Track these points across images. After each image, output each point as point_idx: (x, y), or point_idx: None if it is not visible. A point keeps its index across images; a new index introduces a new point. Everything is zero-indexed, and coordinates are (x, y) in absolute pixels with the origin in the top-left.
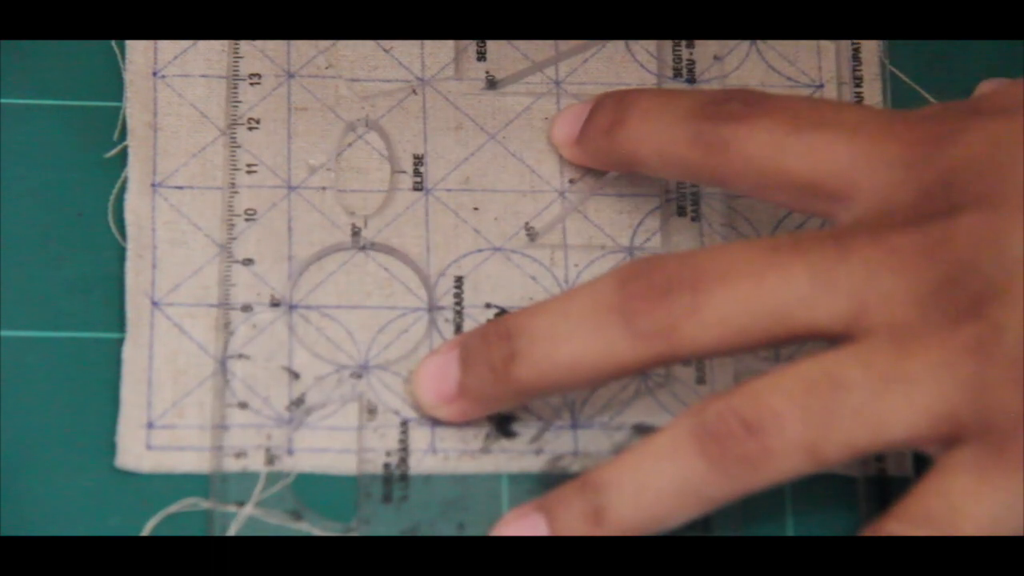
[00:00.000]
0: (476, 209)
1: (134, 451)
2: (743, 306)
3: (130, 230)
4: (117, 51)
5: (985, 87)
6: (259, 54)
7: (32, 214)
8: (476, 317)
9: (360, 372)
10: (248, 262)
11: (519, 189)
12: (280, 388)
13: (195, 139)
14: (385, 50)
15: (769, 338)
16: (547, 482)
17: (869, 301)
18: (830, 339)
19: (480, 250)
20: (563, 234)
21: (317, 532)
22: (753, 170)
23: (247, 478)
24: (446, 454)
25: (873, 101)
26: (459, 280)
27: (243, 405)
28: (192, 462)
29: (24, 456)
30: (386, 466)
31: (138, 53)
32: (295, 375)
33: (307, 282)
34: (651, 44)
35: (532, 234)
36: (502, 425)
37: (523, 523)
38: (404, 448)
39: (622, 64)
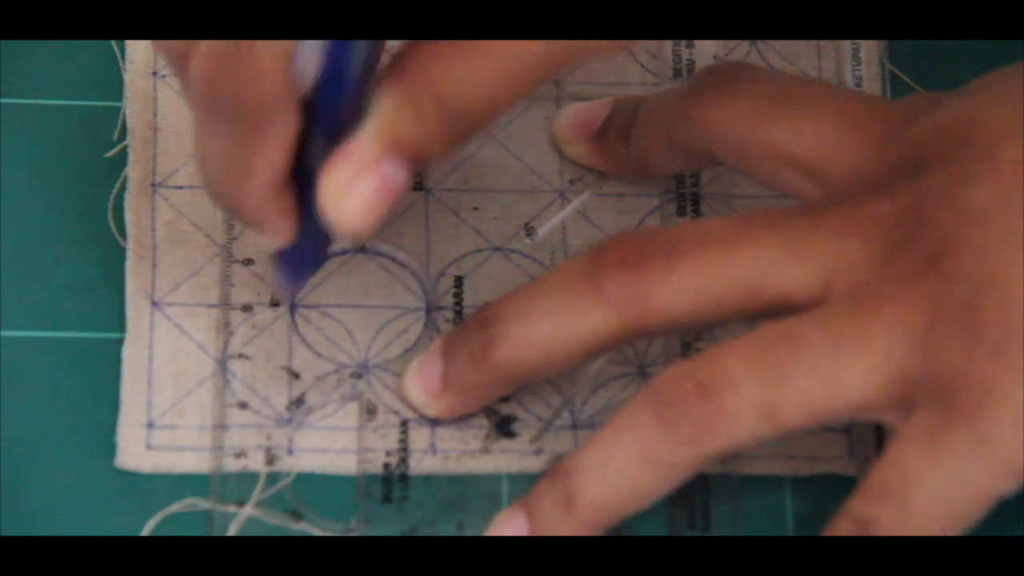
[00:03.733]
0: (476, 209)
1: (134, 451)
2: (716, 274)
3: (130, 230)
4: (117, 51)
5: None
6: None
7: (32, 214)
8: None
9: (360, 372)
10: (248, 262)
11: (519, 189)
12: (280, 388)
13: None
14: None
15: (742, 307)
16: None
17: (838, 267)
18: (802, 309)
19: (480, 250)
20: (563, 234)
21: (317, 533)
22: (734, 137)
23: (247, 478)
24: (446, 454)
25: None
26: (459, 280)
27: (243, 405)
28: (192, 462)
29: (24, 456)
30: (386, 466)
31: (138, 53)
32: (295, 375)
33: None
34: (651, 44)
35: (532, 234)
36: (502, 425)
37: (509, 524)
38: (404, 448)
39: (622, 64)
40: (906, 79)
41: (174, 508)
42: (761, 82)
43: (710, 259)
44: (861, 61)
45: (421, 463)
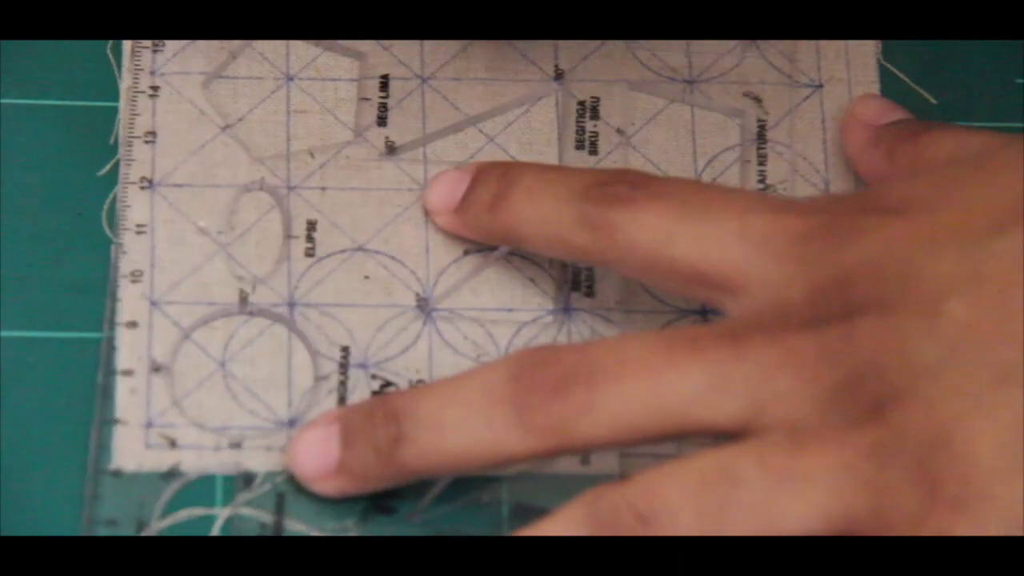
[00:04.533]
0: None
1: (133, 451)
2: (637, 404)
3: (129, 230)
4: (117, 51)
5: (861, 106)
6: (257, 55)
7: (32, 214)
8: (475, 319)
9: (357, 372)
10: (244, 264)
11: None
12: (278, 388)
13: (193, 137)
14: (384, 48)
15: (664, 435)
16: (546, 486)
17: (765, 402)
18: (726, 436)
19: (479, 250)
20: None
21: (315, 533)
22: (640, 256)
23: (245, 478)
24: None
25: None
26: (346, 349)
27: (241, 405)
28: (191, 462)
29: (23, 456)
30: None
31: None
32: (291, 379)
33: (307, 281)
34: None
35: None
36: (378, 501)
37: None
38: None
39: (621, 61)
40: (905, 79)
41: (172, 509)
42: (664, 198)
43: (631, 389)
44: (859, 62)
45: None
